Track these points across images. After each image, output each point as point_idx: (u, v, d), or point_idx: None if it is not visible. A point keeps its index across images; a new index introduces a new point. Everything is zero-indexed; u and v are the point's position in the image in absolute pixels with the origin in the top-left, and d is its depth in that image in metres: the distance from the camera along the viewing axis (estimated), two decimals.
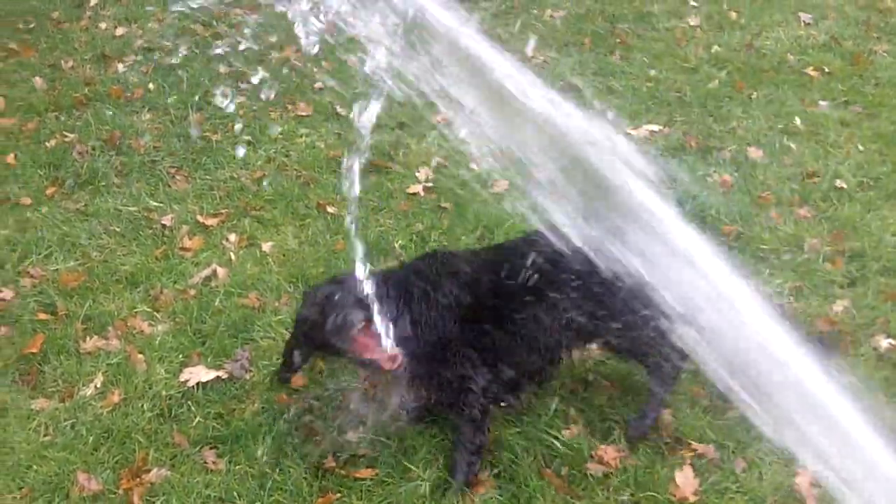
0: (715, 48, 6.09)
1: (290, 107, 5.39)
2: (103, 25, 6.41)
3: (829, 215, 4.34)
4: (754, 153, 4.89)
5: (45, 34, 6.31)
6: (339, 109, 5.32)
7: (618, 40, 6.22)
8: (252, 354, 3.51)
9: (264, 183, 4.63)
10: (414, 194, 4.58)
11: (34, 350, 3.54)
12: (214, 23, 6.50)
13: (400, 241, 4.19)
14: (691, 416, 3.19)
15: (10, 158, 4.80)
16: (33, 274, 3.98)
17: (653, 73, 5.78)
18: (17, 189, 4.57)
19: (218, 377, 3.41)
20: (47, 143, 4.97)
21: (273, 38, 6.22)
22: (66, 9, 6.63)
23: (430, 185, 4.64)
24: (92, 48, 6.04)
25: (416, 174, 4.72)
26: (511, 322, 2.85)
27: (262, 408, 3.28)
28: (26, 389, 3.39)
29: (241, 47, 6.10)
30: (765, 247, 4.10)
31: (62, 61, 5.89)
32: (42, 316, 3.73)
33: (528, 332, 2.86)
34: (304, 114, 5.32)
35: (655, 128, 5.11)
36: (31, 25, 6.55)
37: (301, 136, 5.08)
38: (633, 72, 5.77)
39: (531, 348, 2.89)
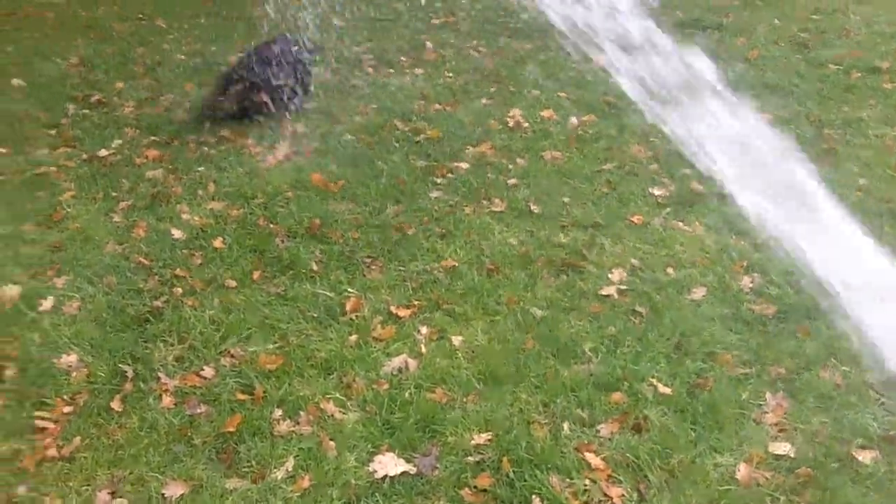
0: None
1: (484, 202, 5.44)
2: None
3: None
4: None
5: (254, 123, 6.63)
6: (532, 207, 5.33)
7: (825, 146, 6.01)
8: (440, 451, 3.50)
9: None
10: (607, 296, 4.50)
11: (231, 429, 3.63)
12: (414, 118, 6.69)
13: (590, 345, 4.12)
14: None
15: (218, 242, 5.02)
16: (234, 354, 4.11)
17: (862, 181, 5.54)
18: (222, 271, 4.76)
19: (405, 471, 3.40)
20: (253, 229, 5.17)
21: (470, 134, 6.35)
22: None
23: (624, 287, 4.55)
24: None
25: (610, 275, 4.65)
26: None
27: None
28: (222, 468, 3.47)
29: (439, 142, 6.25)
30: None
31: (271, 154, 6.15)
32: (240, 396, 3.84)
33: None
34: (497, 209, 5.35)
35: None
36: None
37: (494, 232, 5.10)
38: (840, 179, 5.55)
39: None
